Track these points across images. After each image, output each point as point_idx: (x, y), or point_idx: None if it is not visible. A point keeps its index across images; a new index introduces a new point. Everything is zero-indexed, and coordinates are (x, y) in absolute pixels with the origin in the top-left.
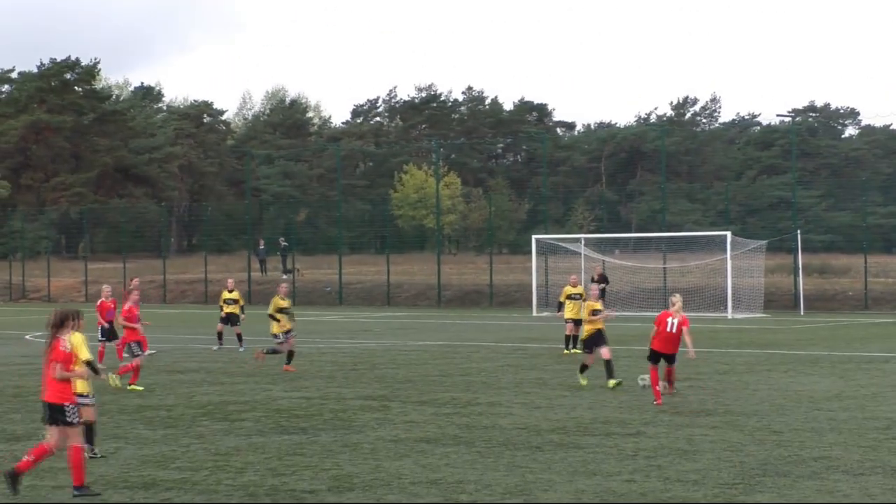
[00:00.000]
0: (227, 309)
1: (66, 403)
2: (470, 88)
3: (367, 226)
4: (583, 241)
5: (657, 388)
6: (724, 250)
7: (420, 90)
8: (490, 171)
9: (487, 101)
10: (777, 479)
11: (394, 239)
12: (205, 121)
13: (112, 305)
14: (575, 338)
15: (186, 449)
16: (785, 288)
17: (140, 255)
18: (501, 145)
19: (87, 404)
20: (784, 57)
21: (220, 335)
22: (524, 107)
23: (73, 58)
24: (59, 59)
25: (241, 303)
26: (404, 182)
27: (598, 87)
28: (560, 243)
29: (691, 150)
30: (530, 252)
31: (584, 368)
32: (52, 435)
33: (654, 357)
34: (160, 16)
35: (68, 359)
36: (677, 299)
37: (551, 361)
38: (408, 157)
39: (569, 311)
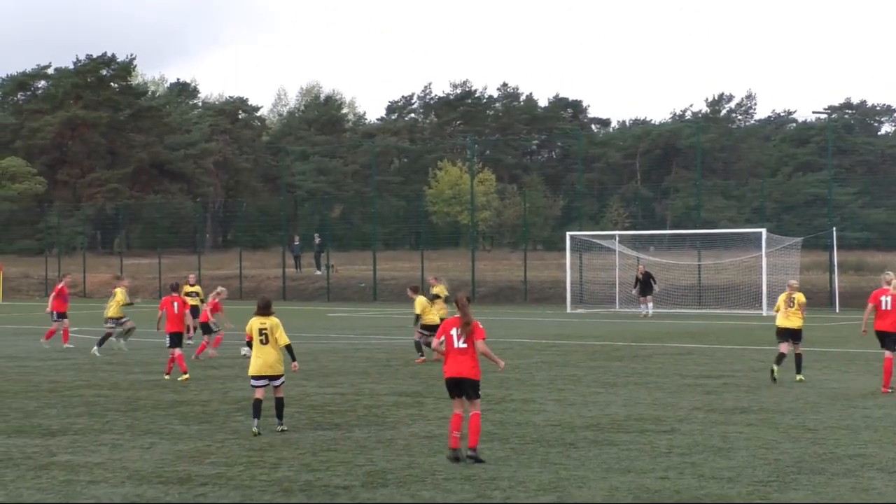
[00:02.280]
0: (190, 301)
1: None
2: (505, 85)
3: (401, 222)
4: (617, 238)
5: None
6: (760, 247)
7: (455, 86)
8: (525, 167)
9: (522, 98)
10: (812, 477)
11: (428, 235)
12: (240, 117)
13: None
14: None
15: (221, 444)
16: (820, 285)
17: (175, 250)
18: (536, 142)
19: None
20: (820, 53)
21: (187, 328)
22: (559, 103)
23: (108, 54)
24: (94, 56)
25: (202, 296)
26: (439, 178)
27: (634, 83)
28: (594, 240)
29: (727, 146)
30: (565, 249)
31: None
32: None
33: (883, 339)
34: (195, 12)
35: None
36: (892, 276)
37: (585, 358)
38: (442, 153)
39: (429, 313)
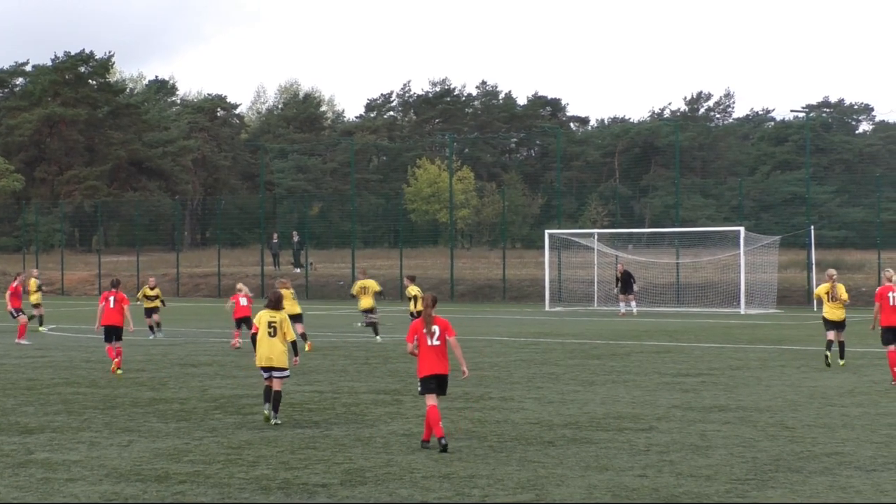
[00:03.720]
0: (148, 304)
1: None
2: (484, 83)
3: (380, 220)
4: (596, 237)
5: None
6: (738, 246)
7: (434, 84)
8: (503, 165)
9: (501, 96)
10: (789, 475)
11: (407, 233)
12: (218, 114)
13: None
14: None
15: (199, 442)
16: (798, 284)
17: (154, 248)
18: (515, 140)
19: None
20: (798, 52)
21: (151, 328)
22: (538, 101)
23: (87, 51)
24: (73, 53)
25: (161, 297)
26: (418, 176)
27: (612, 82)
28: (573, 238)
29: (705, 145)
30: (543, 247)
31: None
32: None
33: (887, 336)
34: (174, 8)
35: None
36: (892, 273)
37: (564, 356)
38: (421, 151)
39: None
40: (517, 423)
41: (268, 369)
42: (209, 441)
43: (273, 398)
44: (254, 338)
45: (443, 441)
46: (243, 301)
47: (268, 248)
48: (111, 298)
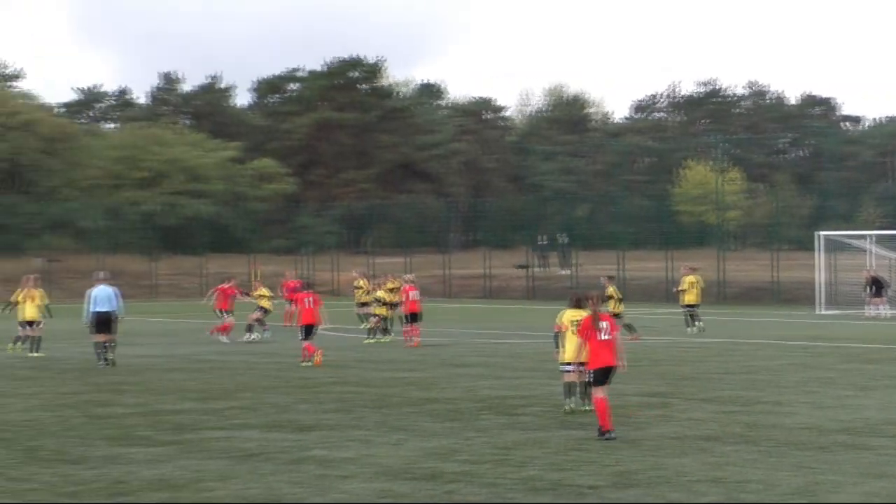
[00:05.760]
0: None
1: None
2: (753, 83)
3: (647, 221)
4: (870, 238)
5: None
6: None
7: (701, 85)
8: (773, 166)
9: (771, 96)
10: None
11: (674, 234)
12: (485, 117)
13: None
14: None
15: (469, 442)
16: None
17: (422, 249)
18: (786, 140)
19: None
20: None
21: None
22: (809, 101)
23: (358, 56)
24: (344, 58)
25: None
26: (686, 177)
27: (887, 80)
28: (846, 240)
29: None
30: (815, 249)
31: None
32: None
33: None
34: (441, 13)
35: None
36: None
37: (838, 360)
38: (689, 152)
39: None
40: (790, 427)
41: (572, 364)
42: (479, 441)
43: (584, 388)
44: (556, 336)
45: (609, 435)
46: (414, 295)
47: (534, 249)
48: (308, 299)
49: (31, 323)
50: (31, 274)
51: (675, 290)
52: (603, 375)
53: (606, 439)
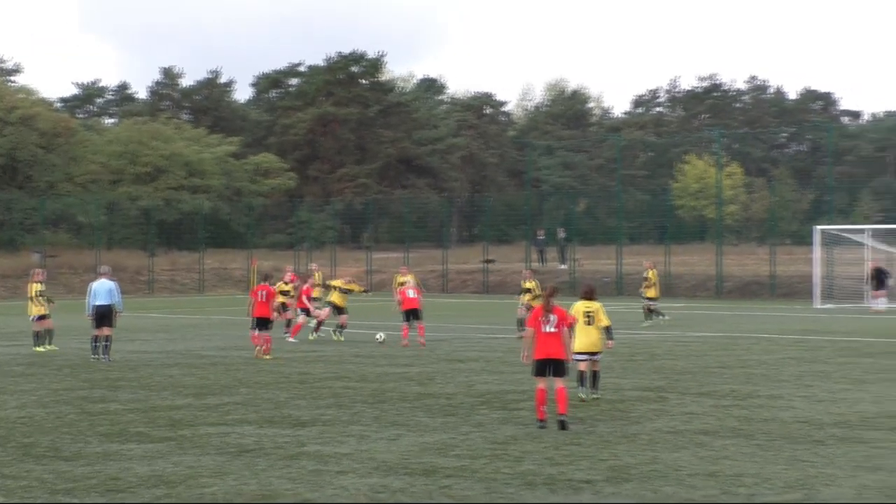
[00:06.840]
0: (282, 299)
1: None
2: (753, 77)
3: (646, 216)
4: (868, 233)
5: None
6: None
7: (702, 80)
8: (773, 160)
9: (771, 90)
10: None
11: (673, 229)
12: (486, 112)
13: None
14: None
15: (466, 437)
16: None
17: (422, 244)
18: (785, 135)
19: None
20: None
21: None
22: (809, 96)
23: (359, 51)
24: (345, 53)
25: (293, 293)
26: (685, 172)
27: (887, 74)
28: (844, 234)
29: None
30: (813, 243)
31: None
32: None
33: None
34: (441, 8)
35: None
36: None
37: (834, 354)
38: (689, 147)
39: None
40: (785, 421)
41: (583, 353)
42: (475, 436)
43: (592, 377)
44: (570, 327)
45: (563, 418)
46: (411, 293)
47: (534, 244)
48: (261, 293)
49: (42, 317)
50: (38, 268)
51: (644, 285)
52: (543, 366)
53: (540, 427)
